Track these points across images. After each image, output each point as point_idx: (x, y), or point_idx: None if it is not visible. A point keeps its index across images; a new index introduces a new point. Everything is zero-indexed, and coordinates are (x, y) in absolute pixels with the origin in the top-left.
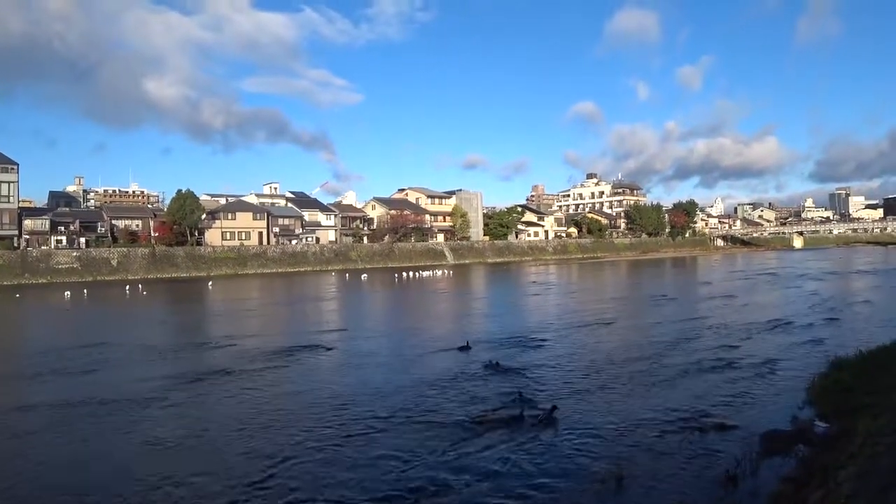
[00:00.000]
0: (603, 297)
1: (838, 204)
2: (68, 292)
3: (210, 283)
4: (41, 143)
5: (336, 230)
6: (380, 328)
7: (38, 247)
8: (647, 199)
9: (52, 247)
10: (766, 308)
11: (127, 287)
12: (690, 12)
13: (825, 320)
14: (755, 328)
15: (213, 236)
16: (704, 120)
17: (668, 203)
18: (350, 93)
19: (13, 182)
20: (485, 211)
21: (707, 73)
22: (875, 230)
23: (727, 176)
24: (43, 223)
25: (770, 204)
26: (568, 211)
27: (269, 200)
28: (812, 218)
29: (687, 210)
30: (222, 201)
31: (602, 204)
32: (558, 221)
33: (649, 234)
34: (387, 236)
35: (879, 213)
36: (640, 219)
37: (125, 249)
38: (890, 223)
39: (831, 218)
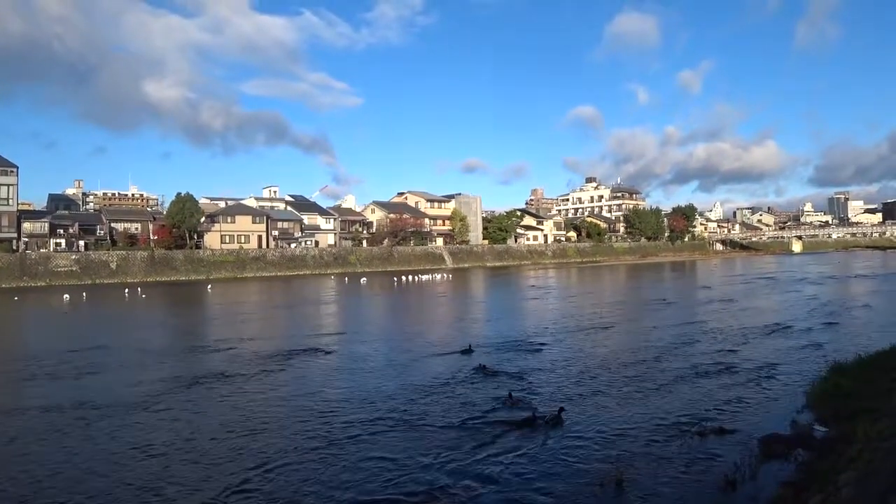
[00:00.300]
0: (602, 301)
1: (837, 208)
2: (67, 295)
3: (209, 286)
4: (41, 145)
5: (335, 234)
6: (379, 332)
7: (37, 250)
8: (646, 204)
9: (51, 250)
10: (764, 312)
11: (126, 290)
12: (690, 16)
13: (824, 325)
14: (754, 332)
15: (212, 239)
16: (704, 124)
17: (667, 207)
18: (350, 96)
19: (12, 185)
20: (484, 215)
21: (707, 77)
22: (874, 234)
23: (726, 180)
24: (42, 226)
25: (769, 208)
26: (567, 215)
27: (269, 204)
28: (811, 222)
29: (686, 214)
30: (221, 204)
31: (601, 208)
32: (557, 225)
33: (648, 239)
34: (386, 240)
35: (878, 217)
36: (640, 223)
37: (124, 252)
38: (889, 227)
39: (830, 222)
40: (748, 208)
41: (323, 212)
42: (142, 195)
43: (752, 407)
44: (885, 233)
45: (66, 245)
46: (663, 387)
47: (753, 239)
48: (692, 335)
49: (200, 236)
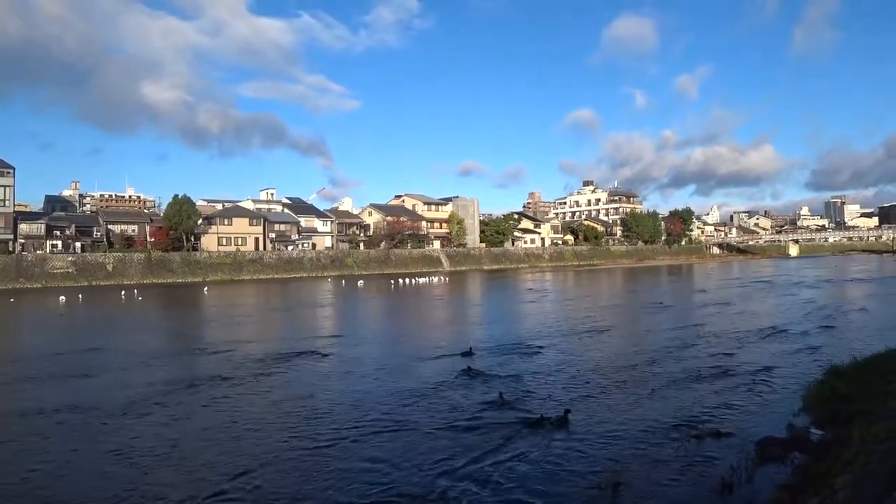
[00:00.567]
0: (599, 305)
1: (834, 212)
2: (63, 297)
3: (206, 288)
4: (37, 146)
5: (332, 236)
6: (375, 335)
7: (34, 251)
8: (643, 207)
9: (48, 251)
10: (761, 316)
11: (122, 292)
12: (688, 21)
13: (820, 328)
14: (751, 336)
15: (209, 242)
16: (701, 128)
17: (664, 211)
18: (347, 99)
19: (9, 186)
20: (481, 218)
21: (704, 81)
22: (870, 238)
23: (723, 184)
24: (38, 227)
25: (766, 212)
26: (564, 218)
27: (266, 206)
28: (808, 226)
29: (683, 218)
30: (219, 207)
31: (598, 211)
32: (555, 229)
33: (645, 242)
34: (383, 243)
35: (874, 221)
36: (637, 226)
37: (121, 254)
38: (885, 231)
39: (827, 226)
40: (745, 212)
41: (320, 214)
42: (139, 197)
43: (749, 410)
44: (881, 236)
45: (63, 247)
46: (660, 390)
47: (750, 242)
48: (689, 338)
49: (197, 238)
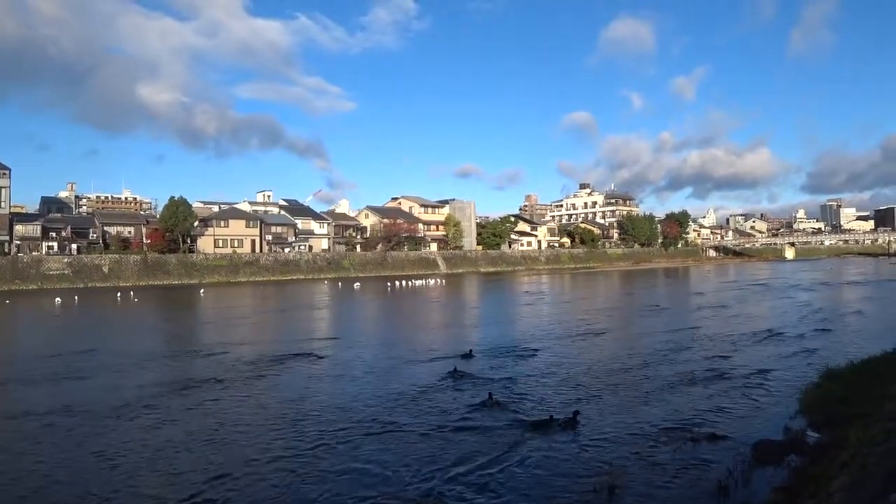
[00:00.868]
0: (595, 307)
1: (830, 215)
2: (59, 299)
3: (202, 290)
4: (34, 148)
5: (329, 238)
6: (371, 337)
7: (30, 252)
8: (639, 210)
9: (43, 253)
10: (757, 318)
11: (118, 294)
12: (685, 22)
13: (816, 331)
14: (747, 338)
15: (205, 244)
16: (698, 131)
17: (660, 213)
18: (344, 100)
19: (5, 187)
20: (478, 220)
21: (701, 83)
22: (866, 241)
23: (720, 187)
24: (34, 229)
25: (762, 215)
26: (561, 221)
27: (262, 208)
28: (804, 229)
29: (679, 221)
30: (215, 209)
31: (595, 214)
32: (551, 231)
33: (642, 245)
34: (380, 245)
35: (870, 224)
36: (633, 229)
37: (117, 256)
38: (881, 234)
39: (823, 229)
40: (741, 215)
41: (317, 216)
42: (135, 199)
43: (745, 413)
44: (877, 240)
45: (59, 248)
46: (656, 393)
47: (746, 245)
48: (685, 341)
49: (194, 240)
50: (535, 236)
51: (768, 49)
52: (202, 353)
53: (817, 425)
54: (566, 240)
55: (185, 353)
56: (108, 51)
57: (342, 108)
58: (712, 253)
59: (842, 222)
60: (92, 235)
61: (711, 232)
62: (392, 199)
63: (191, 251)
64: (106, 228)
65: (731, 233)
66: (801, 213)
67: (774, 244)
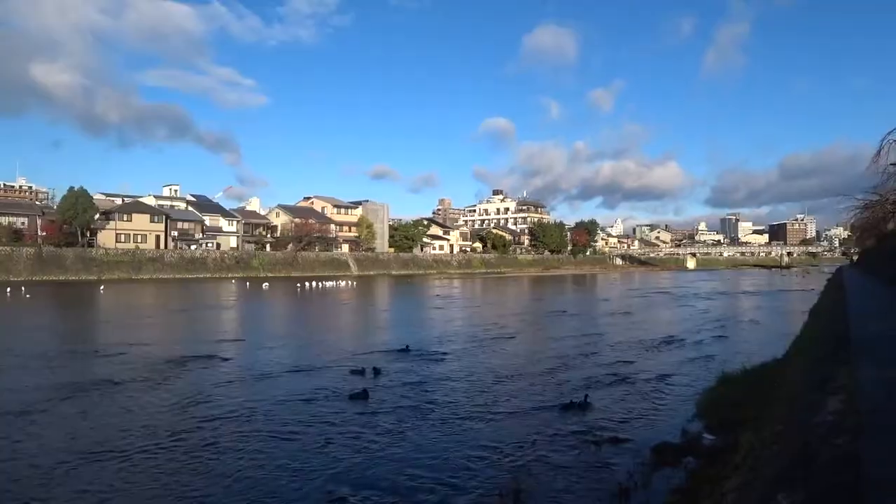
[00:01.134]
0: (505, 312)
1: (728, 228)
2: None
3: (101, 287)
4: None
5: (238, 237)
6: (278, 340)
7: None
8: (550, 217)
9: None
10: (659, 325)
11: (8, 289)
12: (607, 35)
13: (714, 337)
14: (649, 344)
15: (106, 238)
16: (612, 142)
17: (570, 222)
18: (257, 94)
19: None
20: (391, 223)
21: (617, 96)
22: (761, 254)
23: (629, 197)
24: None
25: (667, 226)
26: (474, 226)
27: (169, 203)
28: (705, 241)
29: (588, 229)
30: (118, 201)
31: (507, 220)
32: (464, 236)
33: (552, 252)
34: (290, 245)
35: (765, 238)
36: (544, 236)
37: (8, 249)
38: (774, 248)
39: (722, 241)
40: (647, 225)
41: (226, 213)
42: (30, 188)
43: (646, 416)
44: (770, 252)
45: None
46: (562, 397)
47: (651, 255)
48: (591, 346)
49: (94, 234)
50: (448, 240)
51: (683, 67)
52: (98, 353)
53: (713, 428)
54: (478, 244)
55: (79, 354)
56: None
57: (255, 101)
58: (619, 261)
59: (739, 235)
60: None
61: (619, 241)
62: (304, 198)
63: (90, 245)
64: None
65: (637, 242)
66: (702, 226)
67: (677, 255)
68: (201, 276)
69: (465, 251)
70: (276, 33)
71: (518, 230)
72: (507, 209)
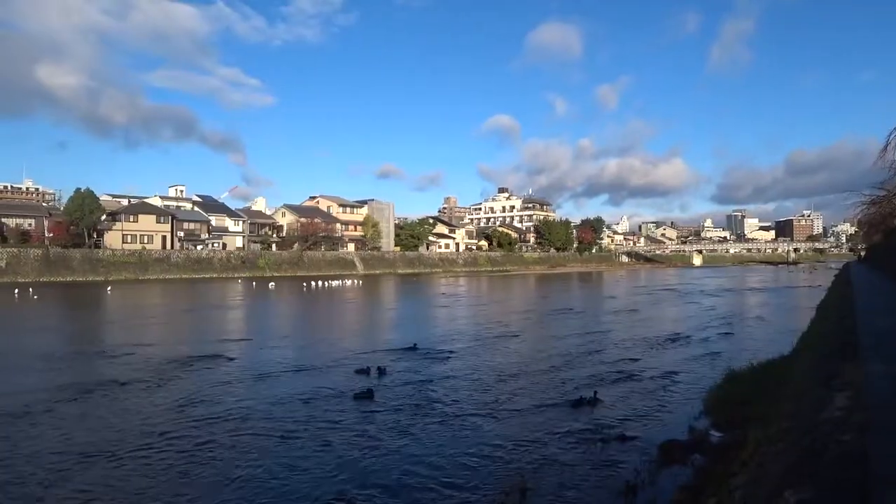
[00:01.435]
0: (511, 310)
1: (735, 225)
2: None
3: (109, 288)
4: None
5: (244, 236)
6: (285, 339)
7: None
8: (556, 215)
9: None
10: (666, 322)
11: (16, 290)
12: (612, 31)
13: (720, 335)
14: (656, 341)
15: (113, 239)
16: (617, 139)
17: (576, 219)
18: (263, 94)
19: None
20: (397, 221)
21: (624, 92)
22: (767, 250)
23: (635, 194)
24: None
25: (672, 223)
26: (479, 224)
27: (175, 203)
28: (711, 237)
29: (594, 227)
30: (124, 202)
31: (513, 218)
32: (469, 234)
33: (557, 249)
34: (296, 244)
35: (772, 234)
36: (549, 234)
37: (15, 250)
38: (780, 244)
39: (728, 238)
40: (653, 222)
41: (232, 213)
42: (37, 189)
43: (653, 414)
44: (777, 249)
45: None
46: (568, 395)
47: (657, 252)
48: (597, 344)
49: (100, 235)
50: (454, 239)
51: (689, 62)
52: (104, 353)
53: (720, 425)
54: (484, 243)
55: (86, 354)
56: (2, 26)
57: (260, 101)
58: (625, 258)
59: (746, 232)
60: None
61: (624, 238)
62: (310, 197)
63: (97, 246)
64: (4, 220)
65: (643, 239)
66: (708, 223)
67: (683, 251)
68: (208, 276)
69: (471, 249)
70: (281, 33)
71: (524, 228)
72: (512, 207)
